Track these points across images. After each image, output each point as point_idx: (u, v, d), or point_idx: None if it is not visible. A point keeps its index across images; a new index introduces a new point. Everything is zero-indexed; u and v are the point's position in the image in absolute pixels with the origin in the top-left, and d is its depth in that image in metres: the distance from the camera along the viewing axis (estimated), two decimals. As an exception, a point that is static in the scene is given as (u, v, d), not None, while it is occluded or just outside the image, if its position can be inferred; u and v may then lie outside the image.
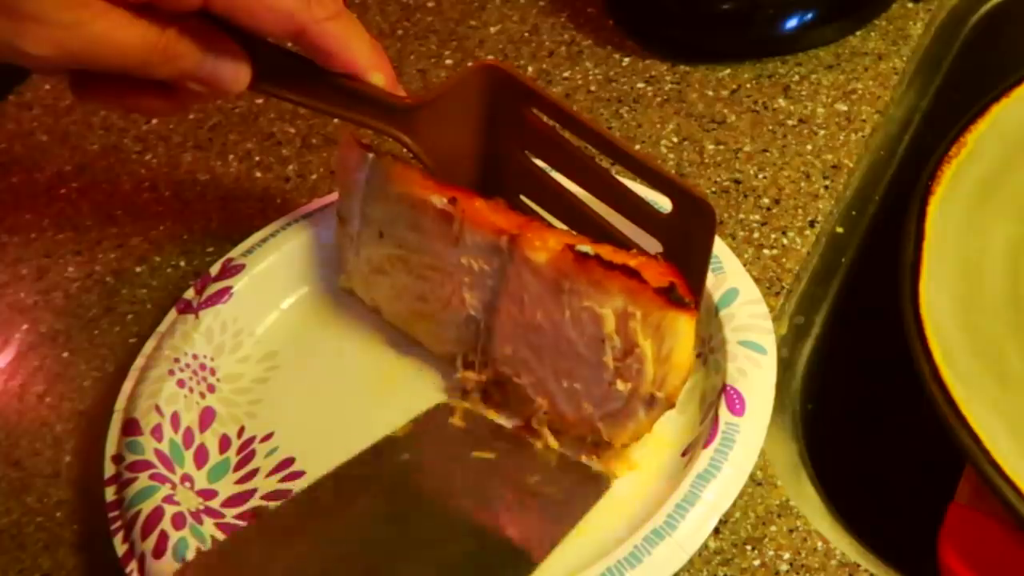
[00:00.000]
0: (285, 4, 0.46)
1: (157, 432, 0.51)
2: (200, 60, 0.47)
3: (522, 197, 0.55)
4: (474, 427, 0.51)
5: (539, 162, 0.54)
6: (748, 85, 0.67)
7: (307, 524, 0.46)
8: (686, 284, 0.47)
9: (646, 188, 0.53)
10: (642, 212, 0.51)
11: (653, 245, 0.51)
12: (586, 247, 0.48)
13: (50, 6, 0.42)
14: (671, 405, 0.48)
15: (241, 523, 0.50)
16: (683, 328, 0.46)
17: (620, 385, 0.48)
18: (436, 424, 0.51)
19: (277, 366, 0.56)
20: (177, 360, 0.54)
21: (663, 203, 0.51)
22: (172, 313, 0.56)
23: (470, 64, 0.72)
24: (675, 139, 0.65)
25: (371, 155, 0.54)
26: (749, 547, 0.48)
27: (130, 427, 0.51)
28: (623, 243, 0.51)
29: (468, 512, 0.46)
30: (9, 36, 0.42)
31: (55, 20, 0.42)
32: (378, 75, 0.50)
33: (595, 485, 0.49)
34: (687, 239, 0.49)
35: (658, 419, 0.49)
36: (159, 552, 0.47)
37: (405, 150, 0.53)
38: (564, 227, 0.52)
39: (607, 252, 0.48)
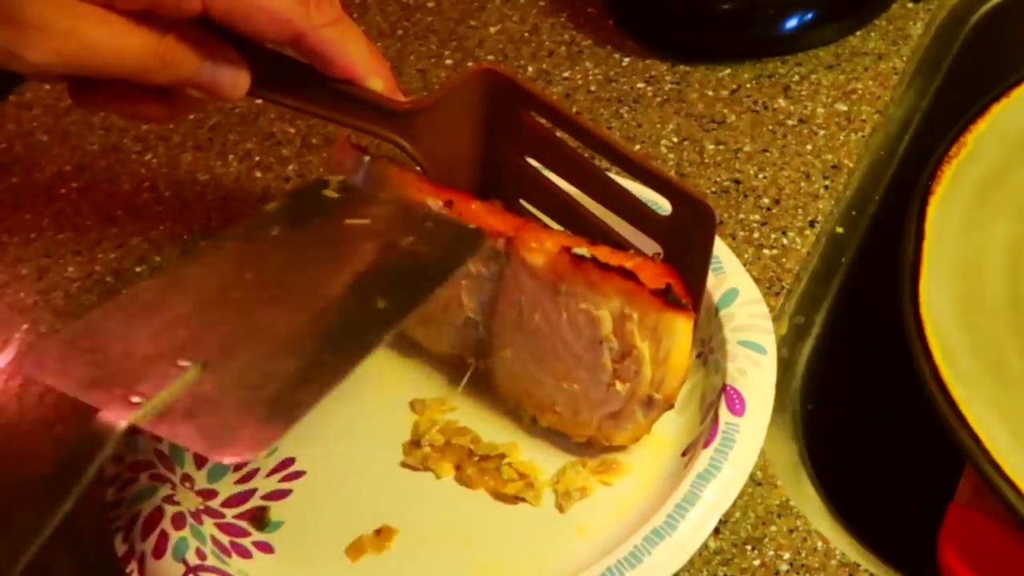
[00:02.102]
0: (284, 10, 0.46)
1: (157, 432, 0.51)
2: (199, 66, 0.47)
3: (521, 201, 0.55)
4: (348, 196, 0.49)
5: (538, 166, 0.54)
6: (748, 85, 0.67)
7: (171, 296, 0.44)
8: (683, 285, 0.47)
9: (645, 190, 0.53)
10: (642, 214, 0.51)
11: (653, 248, 0.51)
12: (582, 249, 0.48)
13: (49, 13, 0.42)
14: (669, 406, 0.48)
15: (241, 523, 0.50)
16: (680, 329, 0.46)
17: (618, 387, 0.48)
18: (309, 196, 0.49)
19: (277, 366, 0.56)
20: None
21: (663, 205, 0.51)
22: (172, 313, 0.56)
23: (469, 65, 0.72)
24: (675, 139, 0.65)
25: (367, 157, 0.54)
26: (749, 547, 0.48)
27: (130, 427, 0.51)
28: (622, 246, 0.51)
29: (336, 276, 0.45)
30: (9, 43, 0.42)
31: (54, 27, 0.42)
32: (377, 80, 0.50)
33: (469, 240, 0.48)
34: (687, 241, 0.49)
35: (657, 420, 0.49)
36: (159, 552, 0.47)
37: (404, 154, 0.53)
38: (562, 230, 0.52)
39: (604, 254, 0.48)
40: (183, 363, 0.40)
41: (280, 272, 0.46)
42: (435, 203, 0.51)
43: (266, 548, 0.49)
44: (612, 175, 0.52)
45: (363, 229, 0.48)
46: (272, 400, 0.40)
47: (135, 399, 0.39)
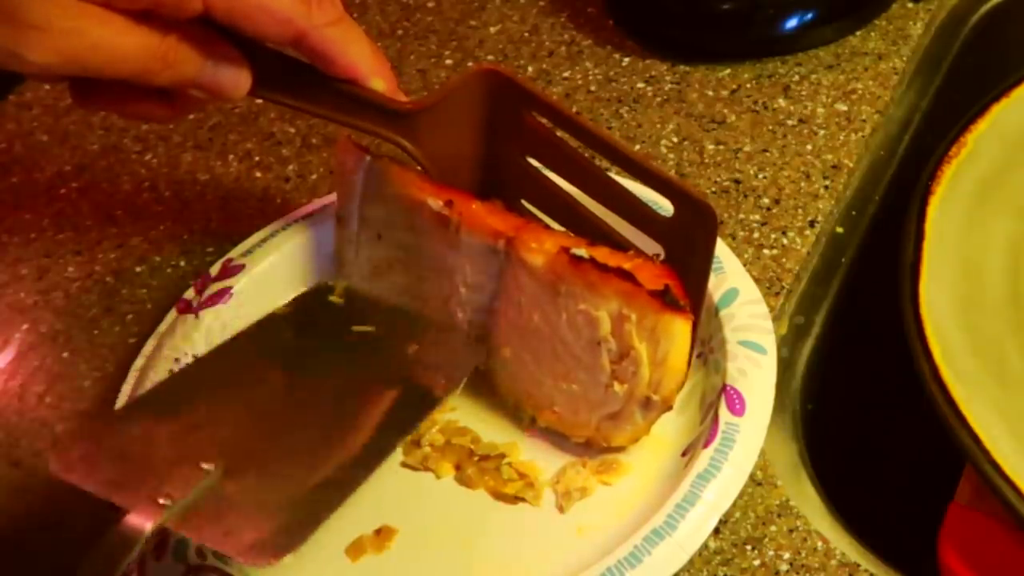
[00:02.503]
0: (285, 10, 0.46)
1: (157, 432, 0.51)
2: (201, 66, 0.47)
3: (522, 202, 0.55)
4: (353, 302, 0.51)
5: (539, 166, 0.54)
6: (748, 85, 0.67)
7: (189, 396, 0.46)
8: (682, 286, 0.47)
9: (646, 190, 0.53)
10: (643, 215, 0.51)
11: (654, 248, 0.51)
12: (582, 250, 0.48)
13: (51, 13, 0.42)
14: (668, 408, 0.48)
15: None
16: (678, 331, 0.46)
17: (616, 388, 0.48)
18: (316, 302, 0.51)
19: (277, 366, 0.56)
20: (177, 360, 0.54)
21: (664, 205, 0.51)
22: (172, 313, 0.56)
23: (470, 65, 0.72)
24: (675, 139, 0.65)
25: (368, 157, 0.54)
26: (749, 547, 0.48)
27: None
28: (623, 246, 0.51)
29: (346, 384, 0.48)
30: (10, 43, 0.42)
31: (56, 27, 0.42)
32: (378, 80, 0.50)
33: (473, 351, 0.50)
34: (688, 242, 0.49)
35: (655, 422, 0.49)
36: (159, 552, 0.47)
37: (405, 155, 0.53)
38: (563, 230, 0.52)
39: (603, 254, 0.48)
40: (206, 466, 0.42)
41: (292, 378, 0.48)
42: (436, 202, 0.51)
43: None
44: (613, 175, 0.52)
45: (368, 337, 0.50)
46: (293, 507, 0.42)
47: (162, 501, 0.41)
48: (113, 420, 0.46)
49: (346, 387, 0.48)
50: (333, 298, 0.51)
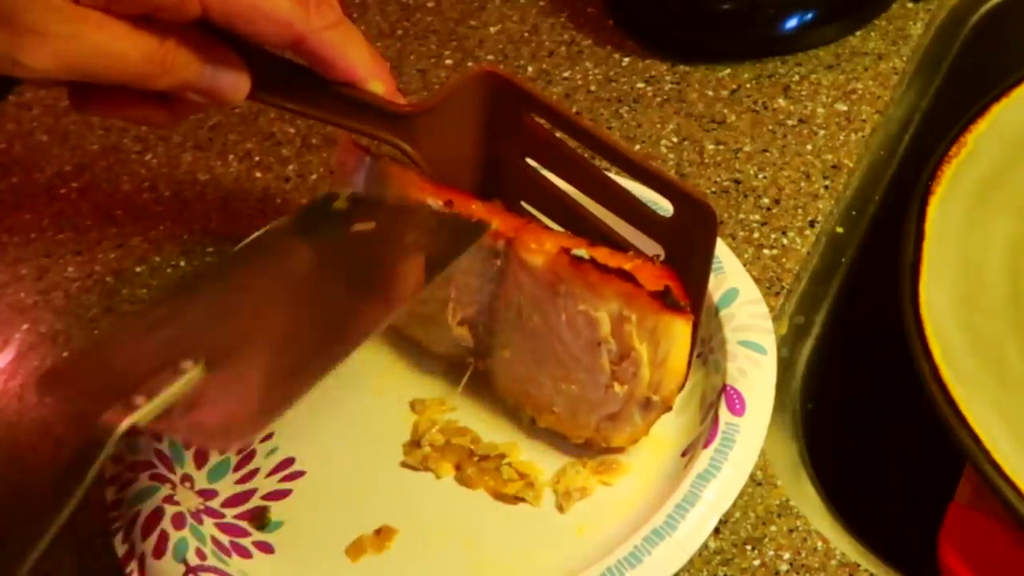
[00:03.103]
0: (284, 14, 0.46)
1: (157, 432, 0.51)
2: (199, 70, 0.46)
3: (523, 203, 0.55)
4: (356, 206, 0.50)
5: (539, 167, 0.54)
6: (748, 85, 0.67)
7: (178, 310, 0.46)
8: (683, 287, 0.47)
9: (646, 191, 0.53)
10: (643, 216, 0.51)
11: (655, 249, 0.51)
12: (582, 250, 0.48)
13: (49, 18, 0.42)
14: (667, 409, 0.48)
15: (242, 523, 0.50)
16: (679, 332, 0.46)
17: (616, 388, 0.48)
18: (319, 210, 0.51)
19: (277, 366, 0.56)
20: (177, 360, 0.54)
21: (664, 206, 0.51)
22: (172, 313, 0.56)
23: (470, 66, 0.72)
24: (675, 139, 0.65)
25: (369, 157, 0.54)
26: (749, 547, 0.48)
27: (131, 427, 0.51)
28: (623, 247, 0.51)
29: (340, 277, 0.47)
30: (8, 49, 0.42)
31: (54, 32, 0.42)
32: (377, 84, 0.50)
33: (470, 230, 0.48)
34: (688, 242, 0.49)
35: (655, 422, 0.49)
36: (159, 552, 0.47)
37: (405, 157, 0.53)
38: (563, 231, 0.52)
39: (603, 255, 0.48)
40: (185, 364, 0.41)
41: (287, 278, 0.47)
42: (435, 203, 0.51)
43: (266, 548, 0.49)
44: (612, 176, 0.52)
45: (369, 233, 0.49)
46: (264, 392, 0.41)
47: (137, 400, 0.40)
48: (99, 339, 0.45)
49: (337, 280, 0.47)
50: (337, 204, 0.50)
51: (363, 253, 0.48)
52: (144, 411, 0.40)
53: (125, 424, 0.39)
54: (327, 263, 0.47)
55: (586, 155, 0.53)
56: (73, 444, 0.39)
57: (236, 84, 0.48)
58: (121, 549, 0.48)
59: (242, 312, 0.45)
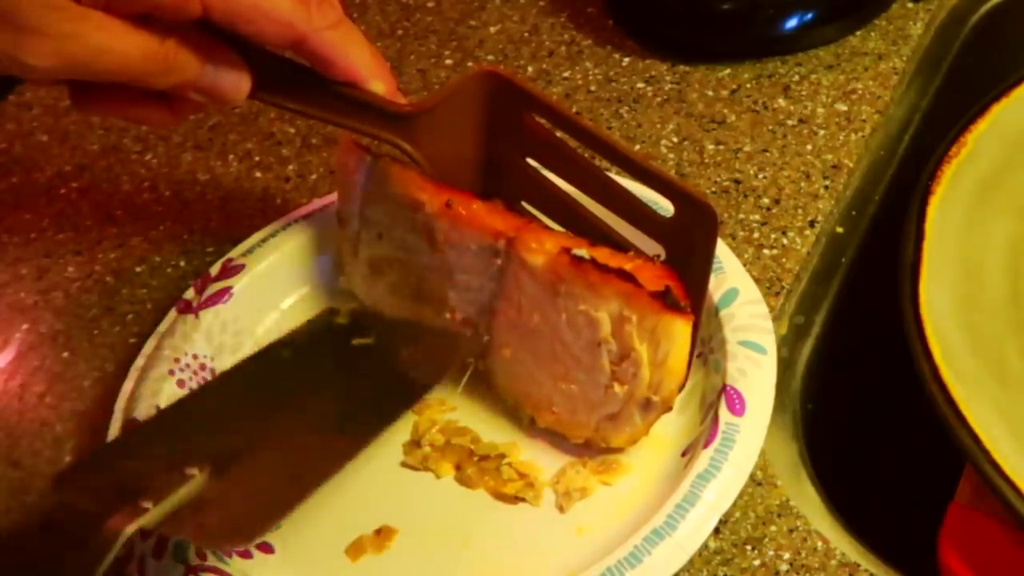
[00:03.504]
0: (285, 13, 0.46)
1: (157, 432, 0.51)
2: (200, 70, 0.46)
3: (523, 203, 0.55)
4: (356, 320, 0.52)
5: (540, 167, 0.54)
6: (748, 85, 0.67)
7: (187, 416, 0.48)
8: (683, 287, 0.47)
9: (647, 191, 0.53)
10: (644, 216, 0.51)
11: (656, 249, 0.51)
12: (582, 250, 0.48)
13: (50, 17, 0.42)
14: (667, 409, 0.48)
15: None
16: (679, 332, 0.46)
17: (616, 388, 0.48)
18: (320, 324, 0.52)
19: (277, 366, 0.56)
20: (177, 360, 0.54)
21: (664, 206, 0.51)
22: (172, 313, 0.56)
23: (470, 66, 0.72)
24: (675, 139, 0.65)
25: (370, 157, 0.54)
26: (749, 547, 0.48)
27: (130, 427, 0.51)
28: (623, 247, 0.51)
29: (340, 389, 0.49)
30: (9, 47, 0.42)
31: (55, 31, 0.42)
32: (378, 83, 0.50)
33: (465, 342, 0.51)
34: (689, 242, 0.49)
35: (654, 423, 0.49)
36: (159, 552, 0.47)
37: (405, 157, 0.53)
38: (563, 231, 0.52)
39: (603, 255, 0.48)
40: (190, 470, 0.43)
41: (289, 390, 0.49)
42: (435, 204, 0.51)
43: (266, 548, 0.49)
44: (613, 176, 0.52)
45: (368, 348, 0.50)
46: (267, 498, 0.43)
47: (144, 504, 0.41)
48: (114, 442, 0.48)
49: (337, 392, 0.49)
50: (338, 319, 0.52)
51: (363, 368, 0.50)
52: (151, 516, 0.41)
53: (132, 528, 0.41)
54: (329, 378, 0.50)
55: (587, 155, 0.53)
56: (83, 546, 0.41)
57: (237, 84, 0.48)
58: (121, 549, 0.48)
59: (247, 419, 0.47)
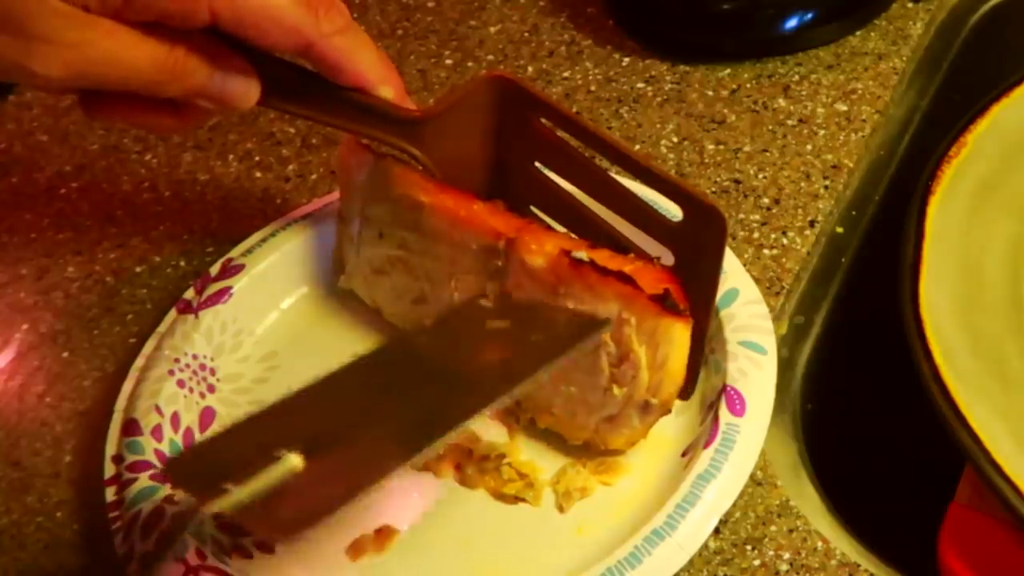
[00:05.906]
0: (293, 19, 0.46)
1: (157, 432, 0.51)
2: (209, 77, 0.46)
3: (532, 208, 0.55)
4: (500, 304, 0.50)
5: (548, 172, 0.54)
6: (748, 85, 0.67)
7: (302, 397, 0.45)
8: (683, 290, 0.47)
9: (655, 195, 0.53)
10: (652, 220, 0.51)
11: (665, 254, 0.51)
12: (582, 252, 0.48)
13: (58, 26, 0.42)
14: (666, 411, 0.48)
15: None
16: (678, 335, 0.46)
17: (615, 391, 0.48)
18: (465, 307, 0.51)
19: (277, 366, 0.56)
20: (177, 360, 0.54)
21: (672, 210, 0.51)
22: (172, 313, 0.56)
23: (471, 66, 0.72)
24: (675, 139, 0.65)
25: (372, 157, 0.54)
26: (749, 547, 0.48)
27: (130, 427, 0.51)
28: (625, 248, 0.51)
29: (459, 371, 0.46)
30: (18, 56, 0.42)
31: (63, 40, 0.42)
32: (387, 88, 0.50)
33: (592, 326, 0.48)
34: (698, 246, 0.49)
35: (653, 425, 0.49)
36: (159, 552, 0.47)
37: (414, 161, 0.53)
38: (565, 232, 0.52)
39: (603, 257, 0.48)
40: (279, 452, 0.41)
41: (410, 372, 0.47)
42: (436, 204, 0.51)
43: (266, 548, 0.49)
44: (621, 179, 0.52)
45: (501, 330, 0.48)
46: (331, 487, 0.41)
47: (227, 486, 0.39)
48: (222, 431, 0.46)
49: (456, 373, 0.46)
50: (483, 302, 0.50)
51: (489, 349, 0.48)
52: (231, 497, 0.39)
53: (208, 508, 0.39)
54: (453, 358, 0.47)
55: (596, 159, 0.53)
56: (161, 526, 0.42)
57: (246, 90, 0.48)
58: (121, 549, 0.48)
59: (352, 404, 0.45)
